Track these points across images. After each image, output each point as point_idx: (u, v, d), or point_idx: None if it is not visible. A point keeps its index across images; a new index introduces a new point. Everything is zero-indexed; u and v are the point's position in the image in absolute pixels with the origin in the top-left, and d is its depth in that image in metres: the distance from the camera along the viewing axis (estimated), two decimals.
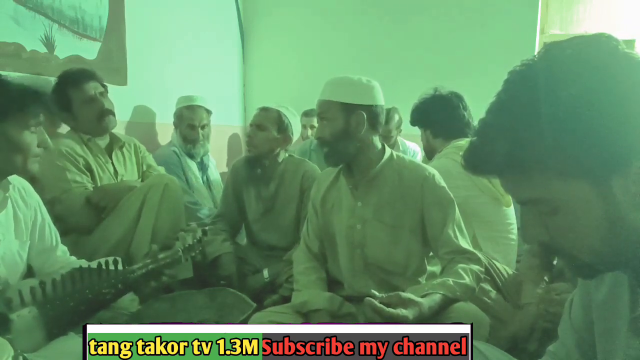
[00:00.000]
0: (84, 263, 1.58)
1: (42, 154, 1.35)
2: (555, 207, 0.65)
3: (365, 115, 1.49)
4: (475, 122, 2.23)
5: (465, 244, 1.49)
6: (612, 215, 0.63)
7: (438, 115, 2.08)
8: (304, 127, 3.20)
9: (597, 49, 0.64)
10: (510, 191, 0.70)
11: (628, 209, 0.63)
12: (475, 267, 1.44)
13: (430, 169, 1.56)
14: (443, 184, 1.53)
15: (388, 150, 1.58)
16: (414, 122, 2.19)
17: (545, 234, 0.68)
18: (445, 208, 1.50)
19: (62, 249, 1.57)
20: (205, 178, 2.80)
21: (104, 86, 2.08)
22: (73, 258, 1.59)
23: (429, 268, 1.61)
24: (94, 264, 1.39)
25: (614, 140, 0.60)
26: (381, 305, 1.17)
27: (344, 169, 1.60)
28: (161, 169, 2.29)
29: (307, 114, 3.31)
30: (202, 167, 2.80)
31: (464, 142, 2.07)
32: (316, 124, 2.74)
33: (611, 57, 0.63)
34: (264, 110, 2.22)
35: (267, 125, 2.16)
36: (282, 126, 2.17)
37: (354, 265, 1.57)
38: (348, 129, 1.49)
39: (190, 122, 2.67)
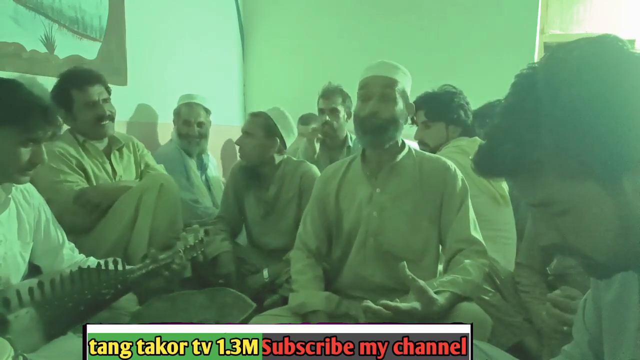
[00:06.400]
0: (91, 260, 1.58)
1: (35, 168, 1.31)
2: (566, 208, 0.65)
3: (414, 108, 1.60)
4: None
5: (476, 234, 1.50)
6: (624, 215, 0.63)
7: (460, 109, 2.14)
8: (321, 111, 2.82)
9: (603, 49, 0.64)
10: (521, 193, 0.70)
11: (639, 208, 0.63)
12: (481, 262, 1.43)
13: (449, 161, 1.58)
14: (462, 175, 1.56)
15: (406, 144, 1.60)
16: (432, 113, 2.18)
17: (557, 236, 0.68)
18: (463, 197, 1.53)
19: (69, 247, 1.58)
20: (204, 177, 2.80)
21: (109, 91, 2.06)
22: (81, 256, 1.60)
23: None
24: (95, 263, 1.39)
25: (623, 139, 0.60)
26: (378, 307, 1.16)
27: (361, 157, 1.60)
28: (160, 167, 2.28)
29: (326, 96, 2.82)
30: (202, 166, 2.80)
31: (464, 142, 2.08)
32: (338, 106, 2.72)
33: (618, 57, 0.63)
34: (253, 116, 2.24)
35: (255, 132, 2.16)
36: (269, 130, 2.16)
37: (365, 253, 1.55)
38: (402, 115, 1.51)
39: (186, 117, 2.69)
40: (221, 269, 2.11)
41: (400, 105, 1.50)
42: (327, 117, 2.75)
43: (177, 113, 2.75)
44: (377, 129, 1.48)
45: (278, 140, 2.17)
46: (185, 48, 3.08)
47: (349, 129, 2.72)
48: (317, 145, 2.75)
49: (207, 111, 2.78)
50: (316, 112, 2.93)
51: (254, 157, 2.18)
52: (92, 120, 1.98)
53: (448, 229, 1.51)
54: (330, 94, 2.76)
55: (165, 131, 2.87)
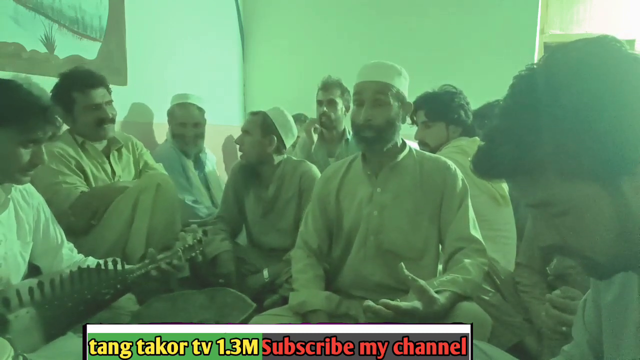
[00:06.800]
0: (90, 260, 1.58)
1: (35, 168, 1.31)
2: (565, 209, 0.65)
3: (412, 107, 1.57)
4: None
5: (475, 233, 1.50)
6: (623, 215, 0.63)
7: (461, 109, 2.14)
8: (319, 103, 2.80)
9: (601, 50, 0.64)
10: (521, 194, 0.70)
11: (639, 208, 0.63)
12: (480, 261, 1.44)
13: (450, 161, 1.59)
14: (462, 175, 1.56)
15: (407, 144, 1.60)
16: (432, 113, 2.18)
17: (557, 237, 0.68)
18: (462, 197, 1.53)
19: (69, 247, 1.57)
20: (202, 176, 2.78)
21: (110, 92, 2.05)
22: (80, 256, 1.60)
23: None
24: (95, 263, 1.39)
25: (621, 141, 0.60)
26: (379, 307, 1.16)
27: (362, 157, 1.60)
28: (159, 166, 2.27)
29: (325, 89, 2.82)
30: (199, 165, 2.78)
31: (464, 142, 2.08)
32: (336, 98, 2.71)
33: (617, 58, 0.63)
34: (252, 114, 2.26)
35: (252, 130, 2.18)
36: (267, 129, 2.17)
37: (365, 252, 1.56)
38: (398, 117, 1.51)
39: (181, 119, 2.67)
40: (221, 268, 2.11)
41: (395, 107, 1.50)
42: (325, 108, 2.75)
43: (170, 114, 2.72)
44: (373, 137, 1.49)
45: (275, 139, 2.18)
46: (185, 48, 3.08)
47: (347, 123, 2.72)
48: (315, 137, 2.75)
49: (201, 110, 2.74)
50: (306, 113, 2.93)
51: (252, 155, 2.20)
52: (93, 122, 1.98)
53: (448, 227, 1.51)
54: (329, 86, 2.77)
55: (162, 131, 2.86)
